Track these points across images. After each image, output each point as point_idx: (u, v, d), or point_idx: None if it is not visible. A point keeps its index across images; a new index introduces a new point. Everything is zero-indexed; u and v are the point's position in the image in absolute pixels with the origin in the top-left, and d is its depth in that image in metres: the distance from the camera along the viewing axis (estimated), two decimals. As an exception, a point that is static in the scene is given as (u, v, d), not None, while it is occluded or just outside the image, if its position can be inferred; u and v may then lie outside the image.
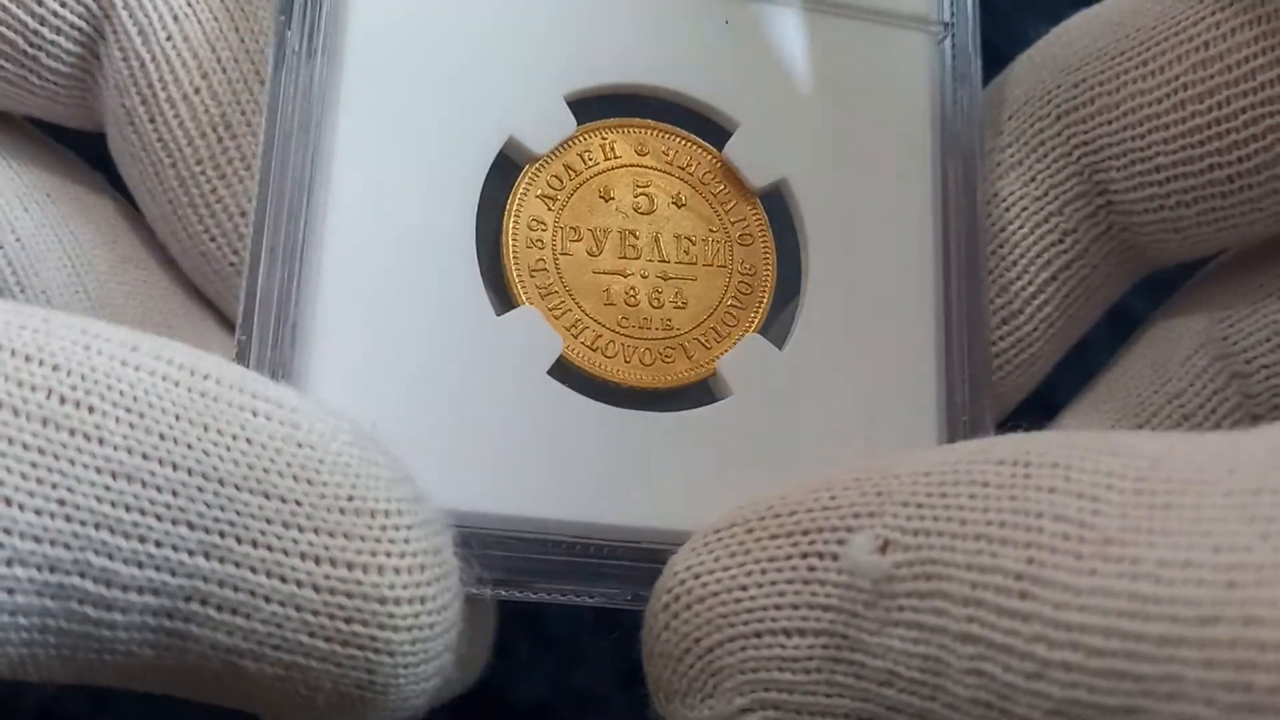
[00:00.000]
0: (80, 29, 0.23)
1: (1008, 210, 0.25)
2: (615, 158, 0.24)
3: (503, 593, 0.22)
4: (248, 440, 0.18)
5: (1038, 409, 0.26)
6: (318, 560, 0.18)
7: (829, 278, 0.24)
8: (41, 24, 0.23)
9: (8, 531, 0.17)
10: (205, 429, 0.18)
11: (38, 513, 0.17)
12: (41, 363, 0.18)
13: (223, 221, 0.24)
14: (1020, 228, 0.25)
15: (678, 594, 0.20)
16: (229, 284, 0.24)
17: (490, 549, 0.21)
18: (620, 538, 0.22)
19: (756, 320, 0.24)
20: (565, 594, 0.22)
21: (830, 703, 0.19)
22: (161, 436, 0.18)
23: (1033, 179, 0.25)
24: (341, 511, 0.18)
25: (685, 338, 0.23)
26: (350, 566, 0.18)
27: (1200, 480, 0.16)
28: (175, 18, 0.23)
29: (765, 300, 0.24)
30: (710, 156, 0.24)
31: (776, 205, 0.25)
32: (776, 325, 0.24)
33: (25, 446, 0.17)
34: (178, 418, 0.18)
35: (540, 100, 0.24)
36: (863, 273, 0.24)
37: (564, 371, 0.23)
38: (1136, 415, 0.25)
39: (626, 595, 0.22)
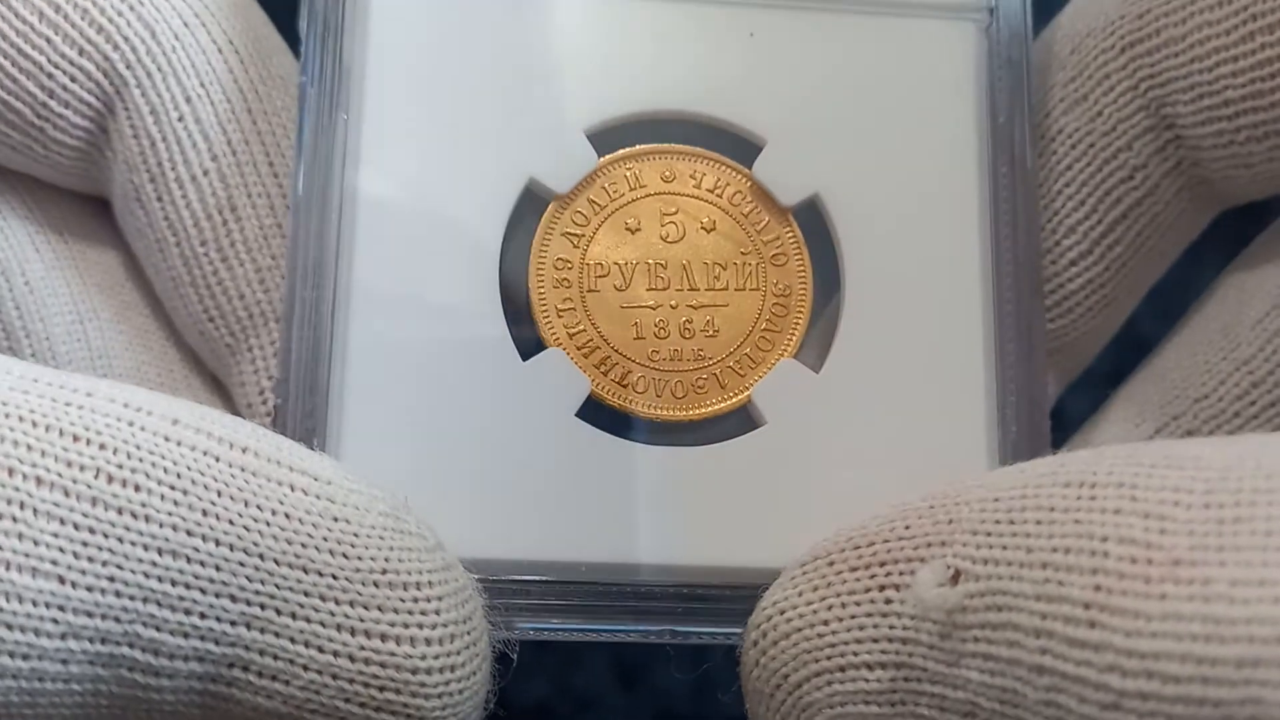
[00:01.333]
0: (90, 104, 0.23)
1: (1074, 147, 0.24)
2: (641, 187, 0.24)
3: (543, 632, 0.22)
4: (286, 516, 0.19)
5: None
6: (353, 632, 0.19)
7: (868, 294, 0.23)
8: (51, 97, 0.23)
9: (62, 609, 0.18)
10: (246, 505, 0.19)
11: (89, 589, 0.18)
12: (89, 442, 0.18)
13: (222, 304, 0.24)
14: (1087, 165, 0.24)
15: (765, 630, 0.21)
16: (224, 362, 0.24)
17: (527, 593, 0.22)
18: (656, 577, 0.22)
19: (793, 343, 0.23)
20: (604, 632, 0.22)
21: None
22: (204, 513, 0.18)
23: (1099, 114, 0.24)
24: (376, 585, 0.19)
25: (718, 366, 0.23)
26: (384, 638, 0.19)
27: (1271, 488, 0.16)
28: (188, 99, 0.23)
29: (802, 322, 0.24)
30: (740, 176, 0.24)
31: (813, 220, 0.24)
32: (815, 347, 0.24)
33: (77, 526, 0.18)
34: (219, 494, 0.19)
35: (560, 138, 0.24)
36: (904, 287, 0.23)
37: (594, 410, 0.23)
38: (1203, 384, 0.24)
39: (666, 633, 0.22)
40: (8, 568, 0.18)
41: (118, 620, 0.18)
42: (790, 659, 0.20)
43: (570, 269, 0.23)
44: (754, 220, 0.24)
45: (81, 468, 0.18)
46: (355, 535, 0.19)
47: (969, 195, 0.24)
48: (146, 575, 0.18)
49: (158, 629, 0.18)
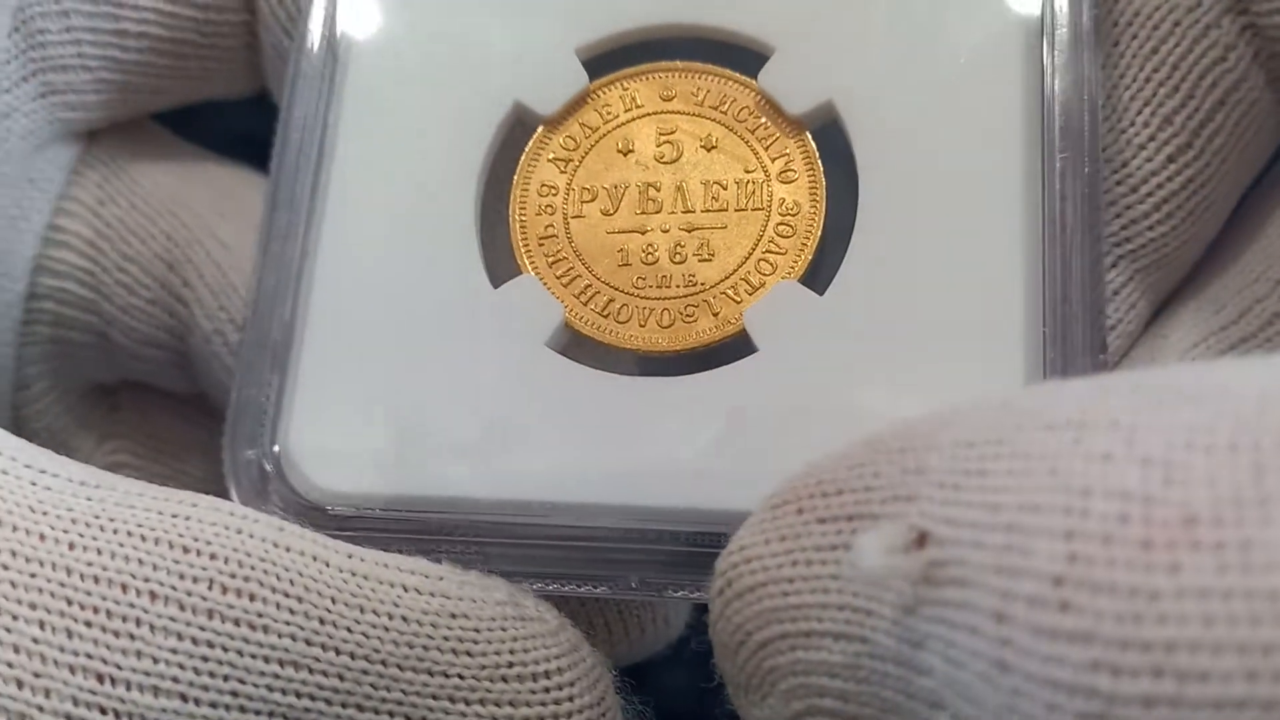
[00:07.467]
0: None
1: (1157, 27, 0.21)
2: (637, 107, 0.22)
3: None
4: (403, 619, 0.18)
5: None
6: None
7: (885, 210, 0.20)
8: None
9: None
10: (361, 610, 0.18)
11: (213, 706, 0.17)
12: (199, 553, 0.18)
13: None
14: (1177, 45, 0.20)
15: (730, 579, 0.17)
16: None
17: (487, 537, 0.20)
18: (616, 519, 0.19)
19: (799, 265, 0.20)
20: (566, 585, 0.20)
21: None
22: (321, 621, 0.18)
23: None
24: (504, 680, 0.18)
25: (710, 293, 0.21)
26: None
27: None
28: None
29: (810, 242, 0.21)
30: (747, 90, 0.22)
31: (831, 136, 0.21)
32: (824, 269, 0.20)
33: (195, 641, 0.17)
34: (334, 600, 0.18)
35: (548, 58, 0.22)
36: (929, 202, 0.20)
37: (572, 342, 0.21)
38: None
39: (630, 582, 0.19)
40: (129, 688, 0.17)
41: None
42: (754, 615, 0.17)
43: (555, 195, 0.22)
44: (762, 136, 0.21)
45: (195, 580, 0.17)
46: (476, 630, 0.18)
47: (1009, 95, 0.20)
48: (270, 689, 0.17)
49: None
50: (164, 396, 0.27)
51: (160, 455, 0.27)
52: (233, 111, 0.27)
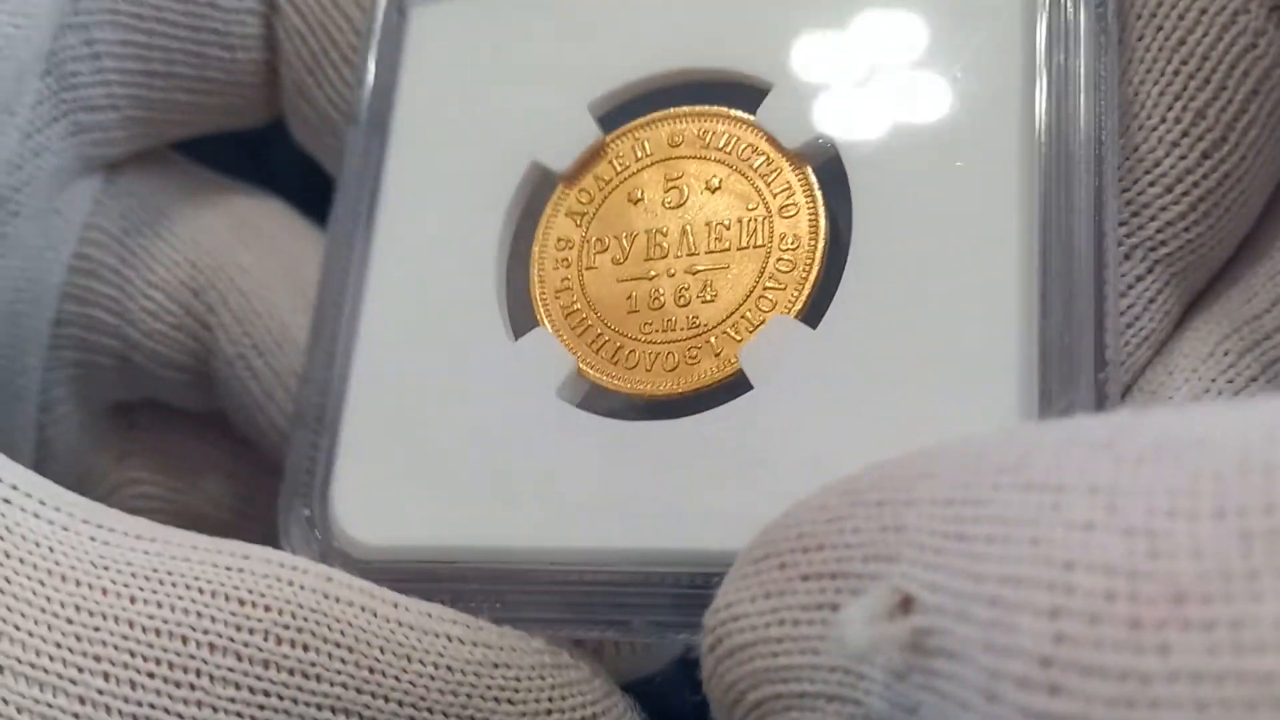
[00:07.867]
0: (255, 11, 0.25)
1: (1183, 17, 0.20)
2: (647, 155, 0.22)
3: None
4: (449, 668, 0.19)
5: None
6: None
7: (879, 241, 0.20)
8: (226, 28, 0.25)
9: None
10: (409, 660, 0.19)
11: None
12: (255, 605, 0.18)
13: None
14: (1205, 35, 0.20)
15: (720, 636, 0.18)
16: None
17: (498, 584, 0.21)
18: (621, 563, 0.20)
19: (798, 300, 0.20)
20: (577, 629, 0.20)
21: None
22: (371, 670, 0.19)
23: None
24: None
25: (713, 333, 0.21)
26: None
27: None
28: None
29: (809, 276, 0.20)
30: (751, 129, 0.22)
31: (833, 169, 0.21)
32: (825, 303, 0.20)
33: (251, 690, 0.18)
34: (383, 650, 0.19)
35: (562, 116, 0.23)
36: (923, 232, 0.19)
37: (584, 391, 0.21)
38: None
39: (635, 626, 0.20)
40: None
41: None
42: (746, 675, 0.17)
43: (570, 248, 0.22)
44: (764, 173, 0.21)
45: (251, 631, 0.18)
46: (517, 679, 0.19)
47: (1007, 120, 0.19)
48: None
49: None
50: (180, 414, 0.28)
51: (176, 471, 0.28)
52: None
